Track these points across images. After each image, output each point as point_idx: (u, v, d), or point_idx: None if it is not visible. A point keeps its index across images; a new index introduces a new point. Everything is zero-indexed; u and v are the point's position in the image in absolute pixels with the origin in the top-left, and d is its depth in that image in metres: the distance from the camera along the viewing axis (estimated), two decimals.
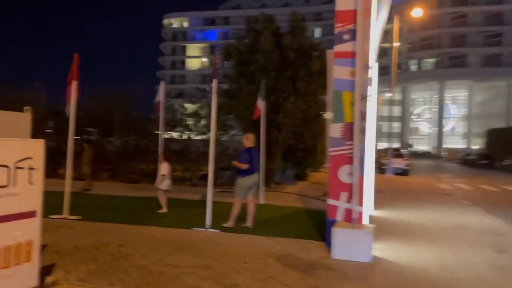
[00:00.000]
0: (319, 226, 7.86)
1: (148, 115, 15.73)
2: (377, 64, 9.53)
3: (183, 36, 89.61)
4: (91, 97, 16.31)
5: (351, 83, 6.28)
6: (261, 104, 10.95)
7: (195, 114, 15.29)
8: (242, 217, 7.68)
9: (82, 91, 8.30)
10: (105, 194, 11.95)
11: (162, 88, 11.34)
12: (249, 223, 7.62)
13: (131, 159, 15.69)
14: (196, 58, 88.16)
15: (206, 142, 15.38)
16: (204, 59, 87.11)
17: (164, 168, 9.25)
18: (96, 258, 5.29)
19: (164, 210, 9.16)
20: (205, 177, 17.11)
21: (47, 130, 16.86)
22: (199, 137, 15.77)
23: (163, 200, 9.27)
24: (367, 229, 5.92)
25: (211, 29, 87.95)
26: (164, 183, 9.18)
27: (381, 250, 6.26)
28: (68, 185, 8.14)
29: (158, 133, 15.60)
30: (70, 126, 8.28)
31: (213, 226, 7.38)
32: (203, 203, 10.19)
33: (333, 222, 6.24)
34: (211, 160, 7.58)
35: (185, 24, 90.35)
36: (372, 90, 8.37)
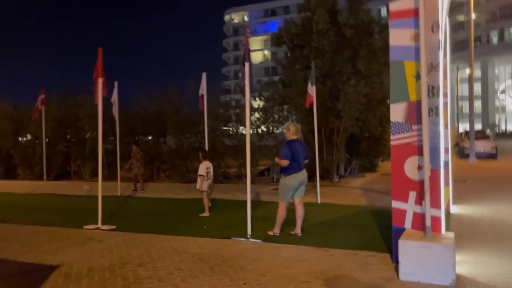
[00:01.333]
0: (385, 231, 6.44)
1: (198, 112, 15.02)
2: (447, 24, 7.77)
3: (244, 30, 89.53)
4: (144, 97, 16.03)
5: (414, 50, 4.82)
6: (312, 90, 9.61)
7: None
8: (291, 221, 6.51)
9: (108, 88, 7.57)
10: (154, 196, 11.39)
11: (204, 81, 10.44)
12: (297, 230, 6.41)
13: (186, 158, 15.11)
14: (258, 51, 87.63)
15: (261, 135, 14.35)
16: (266, 52, 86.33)
17: (202, 167, 8.34)
18: (105, 285, 4.43)
19: (206, 214, 8.29)
20: (262, 173, 16.24)
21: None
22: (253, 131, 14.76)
23: (205, 202, 8.40)
24: (447, 241, 4.44)
25: (272, 20, 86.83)
26: (204, 184, 8.30)
27: (466, 265, 4.75)
28: (100, 191, 7.49)
29: (212, 129, 14.94)
30: (99, 127, 7.62)
31: (257, 233, 6.30)
32: (254, 204, 9.17)
33: (400, 231, 4.85)
34: (248, 157, 6.49)
35: (246, 18, 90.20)
36: (444, 56, 6.74)
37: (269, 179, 14.37)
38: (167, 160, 15.55)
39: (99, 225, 7.27)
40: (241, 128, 14.93)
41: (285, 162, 6.12)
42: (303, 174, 6.30)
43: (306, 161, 6.46)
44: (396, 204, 4.97)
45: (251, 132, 14.46)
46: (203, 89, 10.41)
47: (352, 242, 5.90)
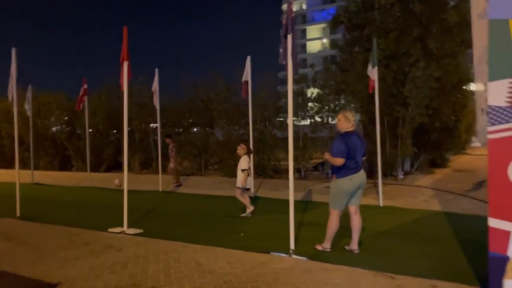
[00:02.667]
0: (470, 248, 4.98)
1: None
2: None
3: (302, 18, 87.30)
4: (190, 86, 15.25)
5: None
6: (373, 73, 8.13)
7: (298, 96, 12.95)
8: (347, 229, 5.24)
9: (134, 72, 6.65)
10: (196, 192, 10.50)
11: (248, 66, 9.31)
12: (353, 245, 5.10)
13: (235, 151, 14.12)
14: (316, 40, 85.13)
15: (315, 126, 13.01)
16: (325, 40, 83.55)
17: (245, 161, 7.25)
18: None
19: (249, 212, 7.26)
20: (317, 167, 14.89)
21: (152, 125, 16.38)
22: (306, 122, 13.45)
23: (245, 201, 7.33)
24: None
25: (331, 8, 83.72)
26: (240, 182, 7.23)
27: None
28: (126, 190, 6.63)
29: (262, 120, 13.82)
30: (124, 115, 6.72)
31: (303, 246, 5.10)
32: (303, 206, 7.98)
33: (501, 261, 3.42)
34: (290, 150, 5.29)
35: (304, 6, 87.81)
36: None
37: (323, 174, 13.02)
38: (215, 153, 14.68)
39: (125, 228, 6.42)
40: (294, 118, 13.67)
41: (339, 161, 4.83)
42: (361, 176, 4.97)
43: (364, 158, 5.12)
44: (495, 223, 3.53)
45: (305, 122, 13.17)
46: (247, 75, 9.29)
47: (426, 265, 4.50)
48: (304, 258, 4.83)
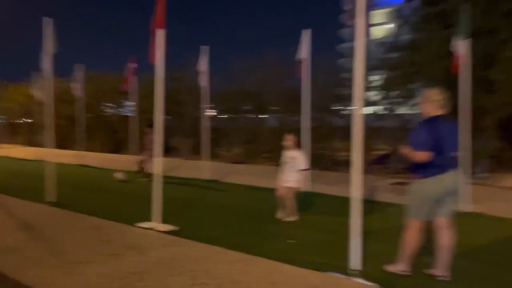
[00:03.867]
0: None
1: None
2: None
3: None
4: (243, 69, 14.23)
5: None
6: (460, 47, 6.60)
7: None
8: (426, 249, 3.97)
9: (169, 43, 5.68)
10: (243, 183, 9.52)
11: (305, 41, 8.09)
12: (441, 270, 3.80)
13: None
14: (379, 26, 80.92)
15: (379, 115, 11.53)
16: (389, 25, 79.29)
17: (301, 158, 6.03)
18: None
19: (294, 217, 6.06)
20: (380, 160, 13.34)
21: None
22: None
23: (294, 207, 6.11)
24: None
25: None
26: (297, 182, 6.05)
27: None
28: (158, 185, 5.74)
29: (320, 106, 12.53)
30: (158, 95, 5.79)
31: (368, 264, 3.91)
32: (368, 206, 6.66)
33: None
34: (357, 142, 4.07)
35: None
36: None
37: (388, 168, 11.50)
38: (267, 140, 13.64)
39: (156, 224, 5.56)
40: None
41: (421, 156, 3.56)
42: (453, 177, 3.67)
43: (456, 154, 3.79)
44: None
45: (368, 111, 11.72)
46: (304, 52, 8.07)
47: None
48: (372, 284, 3.64)
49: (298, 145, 6.18)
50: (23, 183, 9.26)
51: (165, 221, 5.75)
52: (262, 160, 14.09)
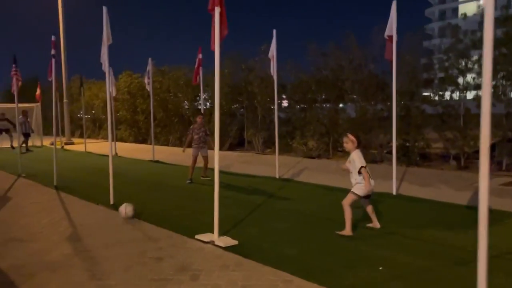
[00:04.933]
0: None
1: (386, 69, 11.16)
2: None
3: None
4: (318, 54, 13.01)
5: None
6: None
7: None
8: None
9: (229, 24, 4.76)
10: (320, 183, 8.45)
11: (393, 13, 6.75)
12: None
13: (370, 130, 11.64)
14: (471, 2, 73.53)
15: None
16: (482, 1, 71.66)
17: (357, 157, 4.88)
18: None
19: (348, 231, 4.91)
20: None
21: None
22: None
23: (349, 218, 4.92)
24: None
25: None
26: (359, 187, 4.91)
27: None
28: (215, 190, 4.92)
29: (408, 92, 10.97)
30: (216, 83, 4.91)
31: None
32: (469, 215, 5.21)
33: None
34: (483, 137, 2.83)
35: None
36: None
37: (495, 163, 9.70)
38: (345, 132, 12.34)
39: (215, 237, 4.76)
40: (448, 90, 10.48)
41: None
42: None
43: None
44: None
45: (468, 95, 9.97)
46: (391, 27, 6.75)
47: None
48: None
49: (358, 145, 5.04)
50: (93, 181, 9.09)
51: (226, 231, 4.96)
52: (340, 155, 12.85)
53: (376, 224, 5.17)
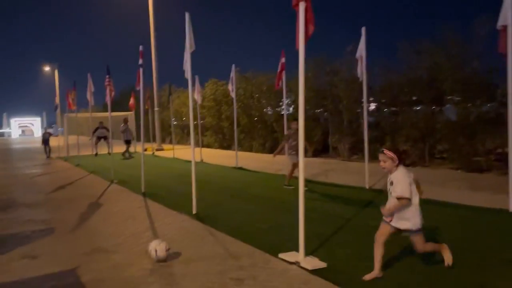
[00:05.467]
0: None
1: (493, 66, 9.81)
2: None
3: None
4: (410, 53, 11.95)
5: None
6: None
7: None
8: None
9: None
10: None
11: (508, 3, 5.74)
12: None
13: (474, 135, 10.35)
14: None
15: None
16: None
17: (400, 181, 3.64)
18: None
19: (377, 273, 3.91)
20: None
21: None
22: None
23: (379, 257, 3.87)
24: None
25: None
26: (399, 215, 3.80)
27: None
28: (301, 208, 4.44)
29: None
30: (300, 85, 4.44)
31: None
32: None
33: None
34: None
35: None
36: None
37: None
38: (444, 137, 11.15)
39: (301, 256, 4.29)
40: None
41: None
42: None
43: None
44: None
45: None
46: (505, 16, 5.74)
47: None
48: None
49: (400, 161, 3.71)
50: (178, 188, 9.14)
51: (313, 250, 4.47)
52: (438, 162, 11.64)
53: (448, 258, 3.87)
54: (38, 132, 67.19)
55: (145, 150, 15.22)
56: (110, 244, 5.19)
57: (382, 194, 7.75)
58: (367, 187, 8.36)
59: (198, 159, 13.91)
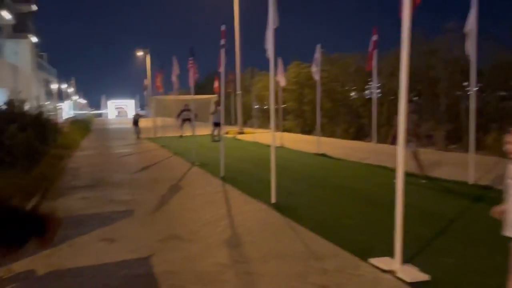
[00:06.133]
0: None
1: None
2: None
3: None
4: None
5: None
6: None
7: None
8: None
9: None
10: None
11: None
12: None
13: None
14: None
15: None
16: None
17: None
18: None
19: None
20: None
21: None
22: None
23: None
24: None
25: None
26: None
27: None
28: (400, 205, 3.76)
29: None
30: (402, 63, 3.71)
31: None
32: None
33: None
34: None
35: None
36: None
37: None
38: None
39: (397, 264, 3.64)
40: None
41: None
42: None
43: None
44: None
45: None
46: None
47: None
48: None
49: None
50: (257, 174, 8.81)
51: (411, 257, 3.79)
52: None
53: None
54: (131, 113, 72.11)
55: (226, 133, 15.29)
56: (186, 231, 4.96)
57: (490, 192, 6.69)
58: (470, 182, 7.27)
59: (278, 144, 13.50)
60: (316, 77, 12.21)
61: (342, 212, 5.66)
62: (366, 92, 16.79)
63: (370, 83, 15.54)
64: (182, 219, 5.58)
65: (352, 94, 17.81)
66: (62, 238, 4.62)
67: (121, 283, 3.52)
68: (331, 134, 18.09)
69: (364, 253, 3.99)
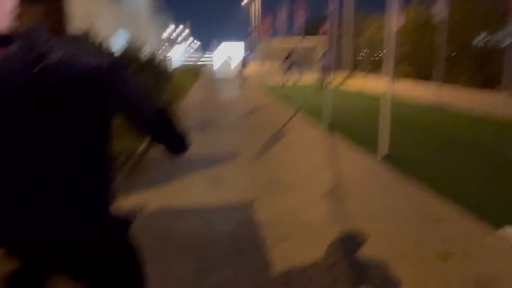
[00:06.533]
0: None
1: None
2: None
3: None
4: None
5: None
6: None
7: None
8: None
9: None
10: None
11: None
12: None
13: None
14: None
15: None
16: None
17: None
18: None
19: None
20: None
21: None
22: None
23: None
24: None
25: None
26: None
27: None
28: None
29: None
30: None
31: None
32: None
33: None
34: None
35: None
36: None
37: None
38: None
39: None
40: None
41: None
42: None
43: None
44: None
45: None
46: None
47: None
48: None
49: None
50: (366, 122, 8.24)
51: None
52: None
53: None
54: (238, 58, 73.08)
55: (334, 79, 14.62)
56: (290, 178, 4.80)
57: None
58: None
59: (391, 91, 12.49)
60: (440, 15, 10.74)
61: (465, 172, 4.97)
62: (497, 37, 14.49)
63: (503, 26, 13.42)
64: (285, 166, 5.43)
65: (479, 38, 15.54)
66: (170, 176, 4.78)
67: (226, 227, 3.49)
68: (451, 81, 16.24)
69: (492, 221, 3.41)
